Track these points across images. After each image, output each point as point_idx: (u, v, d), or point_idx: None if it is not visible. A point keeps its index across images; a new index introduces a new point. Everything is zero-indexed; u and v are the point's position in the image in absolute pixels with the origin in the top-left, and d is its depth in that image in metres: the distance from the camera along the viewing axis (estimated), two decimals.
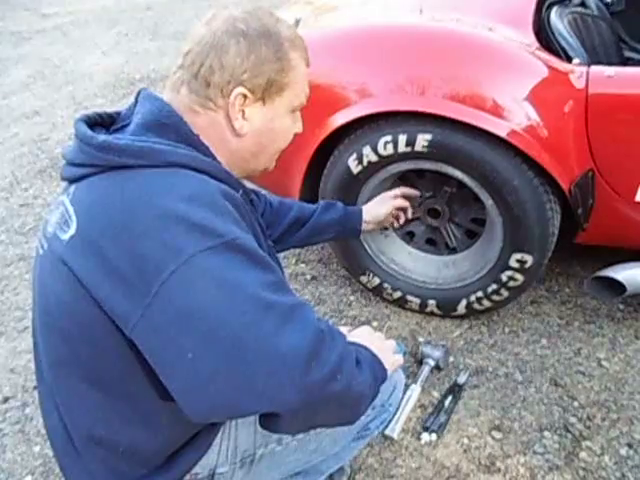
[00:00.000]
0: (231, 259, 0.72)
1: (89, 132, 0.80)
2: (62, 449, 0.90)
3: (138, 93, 0.90)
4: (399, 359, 1.01)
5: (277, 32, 0.88)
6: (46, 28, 5.35)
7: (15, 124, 3.49)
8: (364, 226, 1.46)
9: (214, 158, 0.87)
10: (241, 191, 0.89)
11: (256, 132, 0.91)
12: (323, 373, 0.73)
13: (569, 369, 1.61)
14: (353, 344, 0.88)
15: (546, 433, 1.45)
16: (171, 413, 0.84)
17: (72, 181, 0.83)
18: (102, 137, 0.78)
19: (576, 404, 1.51)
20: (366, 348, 0.90)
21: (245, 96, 0.87)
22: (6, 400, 1.69)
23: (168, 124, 0.83)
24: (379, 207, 1.51)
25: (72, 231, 0.77)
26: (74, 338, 0.80)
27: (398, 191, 1.58)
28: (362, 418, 1.05)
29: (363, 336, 0.96)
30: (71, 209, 0.79)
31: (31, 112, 3.64)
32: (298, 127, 1.01)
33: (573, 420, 1.47)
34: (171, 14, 5.44)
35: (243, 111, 0.88)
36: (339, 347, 0.78)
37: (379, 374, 0.88)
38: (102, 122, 0.89)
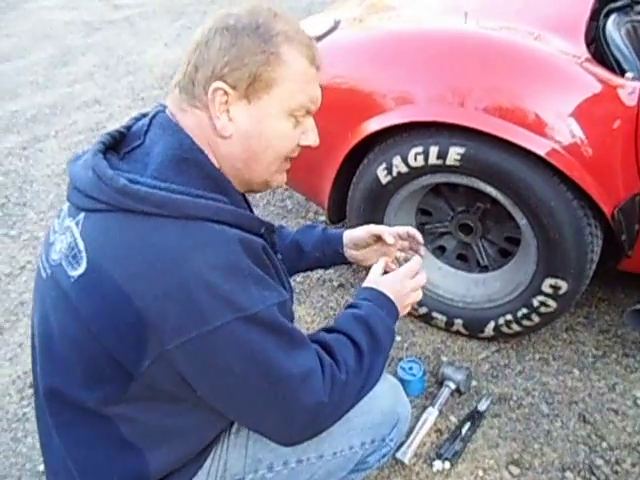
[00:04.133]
0: (250, 332, 0.76)
1: (109, 172, 0.77)
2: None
3: (154, 115, 0.87)
4: (417, 295, 1.07)
5: (268, 26, 0.82)
6: (116, 19, 5.51)
7: (75, 112, 3.61)
8: (346, 251, 1.22)
9: (233, 188, 0.86)
10: (263, 229, 0.87)
11: (243, 135, 0.84)
12: (344, 410, 0.90)
13: (601, 405, 1.50)
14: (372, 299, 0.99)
15: (568, 474, 1.35)
16: (170, 433, 0.86)
17: (81, 208, 0.82)
18: (122, 181, 0.76)
19: (605, 445, 1.40)
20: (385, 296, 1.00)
21: (226, 92, 0.81)
22: (32, 385, 1.74)
23: (189, 159, 0.81)
24: (358, 232, 1.22)
25: (81, 270, 0.77)
26: (74, 365, 0.81)
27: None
28: (360, 451, 1.02)
29: (387, 283, 1.03)
30: (81, 244, 0.78)
31: (92, 101, 3.76)
32: (306, 139, 0.91)
33: (600, 462, 1.37)
34: (233, 7, 5.49)
35: (228, 110, 0.82)
36: (354, 388, 0.90)
37: (390, 319, 0.99)
38: (114, 143, 0.87)
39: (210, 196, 0.80)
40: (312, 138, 0.92)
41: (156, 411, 0.84)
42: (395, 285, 1.03)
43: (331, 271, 2.03)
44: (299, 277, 1.99)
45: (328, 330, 0.96)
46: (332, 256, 1.24)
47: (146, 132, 0.86)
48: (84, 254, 0.77)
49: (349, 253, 1.23)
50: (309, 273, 1.99)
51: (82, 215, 0.81)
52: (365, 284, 1.05)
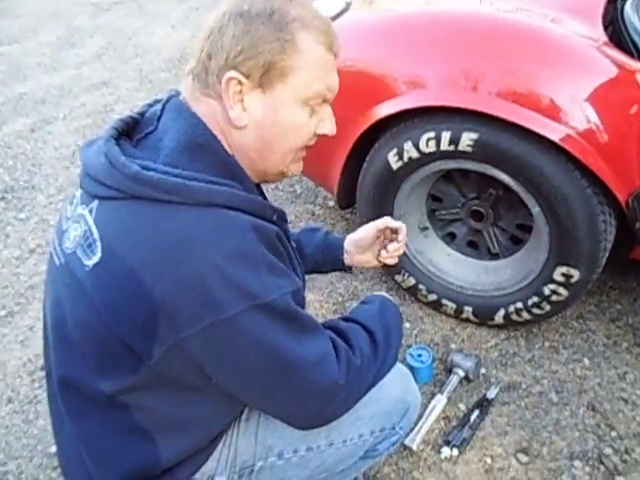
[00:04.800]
0: (264, 320, 0.75)
1: (122, 158, 0.76)
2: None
3: (167, 100, 0.86)
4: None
5: (283, 11, 0.79)
6: (124, 0, 5.46)
7: (83, 94, 3.60)
8: (346, 258, 1.21)
9: (245, 175, 0.85)
10: (275, 216, 0.86)
11: (258, 125, 0.82)
12: (358, 396, 0.92)
13: (610, 394, 1.49)
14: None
15: (577, 462, 1.35)
16: (183, 421, 0.86)
17: (94, 196, 0.81)
18: (135, 168, 0.74)
19: (614, 434, 1.40)
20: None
21: (240, 82, 0.78)
22: (43, 368, 1.75)
23: (203, 145, 0.80)
24: (359, 232, 1.21)
25: (96, 258, 0.76)
26: (87, 353, 0.81)
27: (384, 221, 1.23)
28: (370, 439, 1.01)
29: None
30: (96, 232, 0.77)
31: (99, 83, 3.74)
32: (323, 127, 0.88)
33: (609, 451, 1.36)
34: None
35: (242, 100, 0.80)
36: (369, 375, 0.92)
37: (399, 316, 1.05)
38: (127, 129, 0.86)
39: (224, 182, 0.79)
40: (329, 127, 0.89)
41: (169, 399, 0.84)
42: None
43: None
44: None
45: (343, 319, 0.97)
46: (331, 261, 1.24)
47: (159, 118, 0.85)
48: (99, 243, 0.77)
49: (354, 258, 1.22)
50: None
51: (95, 203, 0.80)
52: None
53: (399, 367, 1.08)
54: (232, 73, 0.78)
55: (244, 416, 1.00)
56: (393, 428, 1.05)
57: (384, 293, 1.11)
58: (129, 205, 0.76)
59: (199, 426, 0.91)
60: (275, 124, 0.82)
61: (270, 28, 0.78)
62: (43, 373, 1.72)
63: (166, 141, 0.81)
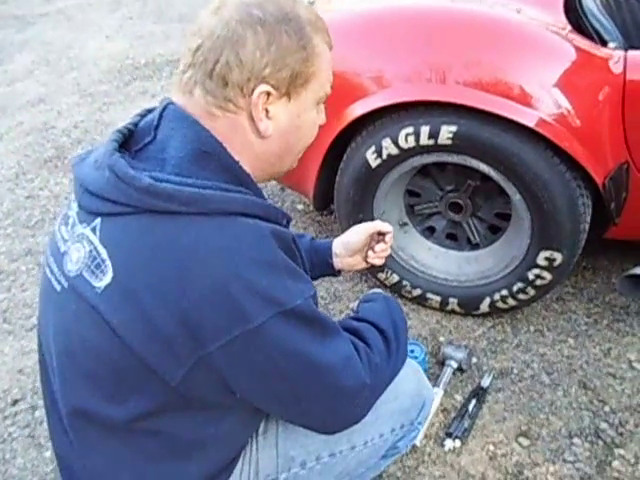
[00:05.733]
0: (290, 326, 0.73)
1: (131, 171, 0.71)
2: None
3: (163, 108, 0.80)
4: None
5: (296, 15, 0.77)
6: (50, 12, 5.22)
7: (20, 112, 3.41)
8: (336, 261, 1.20)
9: (252, 180, 0.81)
10: (285, 220, 0.84)
11: (282, 131, 0.81)
12: (380, 394, 0.91)
13: (598, 371, 1.54)
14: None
15: (576, 440, 1.38)
16: (202, 443, 0.83)
17: (95, 213, 0.75)
18: (147, 180, 0.70)
19: (607, 409, 1.44)
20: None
21: (269, 94, 0.77)
22: (15, 403, 1.64)
23: (209, 152, 0.76)
24: (350, 236, 1.21)
25: (108, 279, 0.71)
26: (101, 379, 0.76)
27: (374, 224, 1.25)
28: (390, 437, 1.01)
29: None
30: (103, 252, 0.72)
31: (36, 99, 3.55)
32: (322, 118, 0.90)
33: (604, 426, 1.41)
34: None
35: (267, 110, 0.78)
36: (387, 372, 0.91)
37: (402, 312, 1.03)
38: (124, 140, 0.81)
39: (237, 189, 0.76)
40: (322, 117, 0.90)
41: (189, 422, 0.80)
42: None
43: None
44: None
45: (354, 319, 0.96)
46: (321, 266, 1.22)
47: (156, 127, 0.79)
48: (108, 262, 0.72)
49: (344, 261, 1.21)
50: None
51: (98, 220, 0.74)
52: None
53: (410, 363, 1.08)
54: (263, 87, 0.75)
55: (261, 429, 0.97)
56: (412, 424, 1.05)
57: (380, 290, 1.11)
58: (139, 220, 0.72)
59: (218, 446, 0.87)
60: (298, 129, 0.83)
61: (292, 37, 0.76)
62: (16, 408, 1.61)
63: (171, 150, 0.76)
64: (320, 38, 0.80)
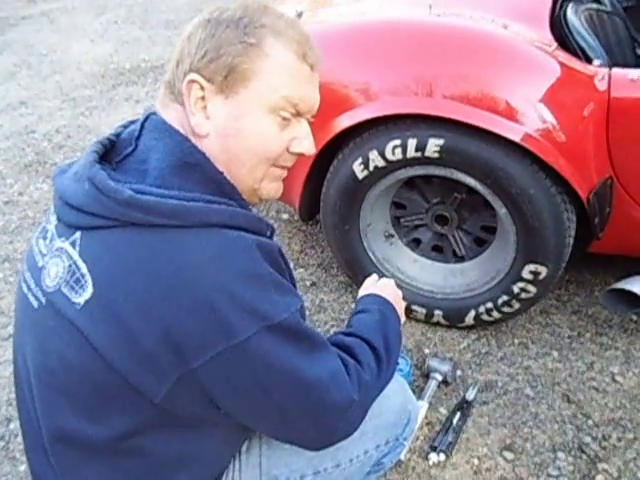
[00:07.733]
0: (276, 341, 0.72)
1: (111, 183, 0.70)
2: None
3: (145, 118, 0.80)
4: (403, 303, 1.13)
5: (254, 18, 0.77)
6: (33, 14, 5.16)
7: (0, 115, 3.36)
8: None
9: (237, 191, 0.79)
10: (269, 232, 0.83)
11: (220, 133, 0.77)
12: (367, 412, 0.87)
13: (582, 384, 1.54)
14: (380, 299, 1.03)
15: (560, 454, 1.38)
16: (186, 462, 0.81)
17: (75, 227, 0.74)
18: (128, 192, 0.68)
19: (590, 422, 1.45)
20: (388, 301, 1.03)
21: (201, 86, 0.75)
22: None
23: (192, 163, 0.75)
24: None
25: (87, 295, 0.69)
26: (82, 398, 0.74)
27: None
28: (375, 454, 1.00)
29: (386, 290, 1.08)
30: (83, 266, 0.71)
31: (17, 103, 3.50)
32: (299, 145, 0.82)
33: (588, 440, 1.41)
34: (161, 1, 5.28)
35: (205, 107, 0.76)
36: (376, 391, 0.90)
37: (398, 324, 1.02)
38: (105, 151, 0.80)
39: (222, 200, 0.75)
40: (306, 146, 0.83)
41: (170, 439, 0.79)
42: (392, 293, 1.09)
43: (302, 270, 1.99)
44: None
45: (345, 334, 0.93)
46: None
47: (138, 137, 0.79)
48: (88, 277, 0.70)
49: None
50: None
51: (78, 234, 0.73)
52: (369, 291, 1.09)
53: (395, 377, 1.07)
54: (193, 76, 0.75)
55: (244, 448, 0.95)
56: (397, 439, 1.04)
57: (379, 292, 1.07)
58: (120, 233, 0.70)
59: (201, 465, 0.85)
60: (238, 132, 0.77)
61: (235, 31, 0.75)
62: None
63: (152, 162, 0.75)
64: (279, 44, 0.76)
